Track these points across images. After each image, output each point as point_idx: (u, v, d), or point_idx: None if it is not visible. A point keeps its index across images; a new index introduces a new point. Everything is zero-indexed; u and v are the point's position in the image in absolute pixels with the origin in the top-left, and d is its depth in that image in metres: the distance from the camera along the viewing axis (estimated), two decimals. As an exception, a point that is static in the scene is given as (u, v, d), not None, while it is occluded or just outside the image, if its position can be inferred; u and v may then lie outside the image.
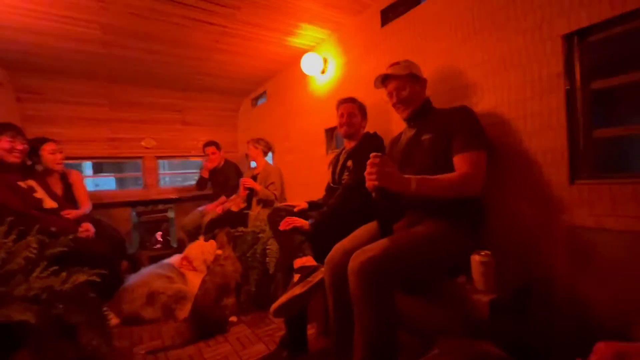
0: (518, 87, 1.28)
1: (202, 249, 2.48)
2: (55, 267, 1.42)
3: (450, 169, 1.15)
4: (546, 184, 1.20)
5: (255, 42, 2.43)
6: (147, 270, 2.39)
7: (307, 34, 2.36)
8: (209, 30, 2.21)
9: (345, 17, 2.14)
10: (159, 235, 3.57)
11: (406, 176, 1.05)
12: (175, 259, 2.57)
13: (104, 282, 1.60)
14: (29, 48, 2.31)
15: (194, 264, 2.44)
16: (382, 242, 1.07)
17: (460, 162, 1.14)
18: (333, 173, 1.83)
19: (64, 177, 2.48)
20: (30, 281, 1.35)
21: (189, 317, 1.92)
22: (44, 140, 2.35)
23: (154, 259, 2.92)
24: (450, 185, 1.08)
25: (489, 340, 0.84)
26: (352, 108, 1.78)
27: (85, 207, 2.44)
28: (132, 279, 2.25)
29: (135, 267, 2.74)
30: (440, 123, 1.26)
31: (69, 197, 2.43)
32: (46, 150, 2.34)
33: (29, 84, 2.83)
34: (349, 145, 1.84)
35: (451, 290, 1.10)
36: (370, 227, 1.32)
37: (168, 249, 3.40)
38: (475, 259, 1.04)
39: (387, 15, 1.92)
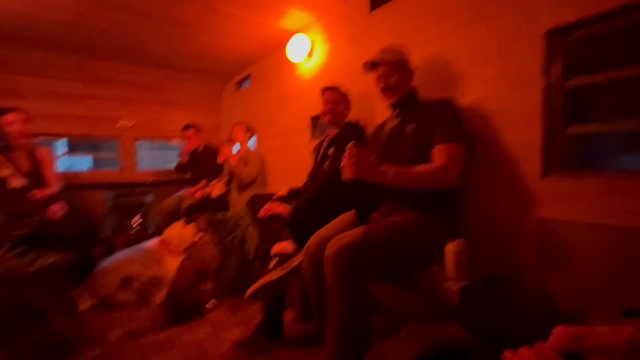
0: (500, 81, 1.30)
1: (180, 233, 2.42)
2: (19, 249, 1.36)
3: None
4: (520, 178, 1.23)
5: (239, 22, 2.34)
6: (121, 255, 2.32)
7: (293, 17, 2.29)
8: (192, 7, 2.10)
9: (332, 3, 2.09)
10: (135, 220, 3.46)
11: (382, 168, 1.05)
12: (151, 243, 2.51)
13: (75, 265, 1.55)
14: (-6, 14, 2.13)
15: (170, 247, 2.39)
16: (358, 230, 1.08)
17: (438, 153, 1.15)
18: (315, 160, 1.82)
19: (32, 154, 2.30)
20: (-9, 262, 1.29)
21: (165, 300, 1.90)
22: (3, 111, 2.14)
23: (129, 244, 2.84)
24: (425, 177, 1.10)
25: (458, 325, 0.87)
26: (336, 96, 1.78)
27: (54, 187, 2.29)
28: (105, 263, 2.19)
29: (109, 251, 2.65)
30: (424, 114, 1.27)
31: (36, 176, 2.25)
32: (5, 121, 2.13)
33: (-6, 54, 2.63)
34: (332, 133, 1.83)
35: (424, 279, 1.12)
36: (348, 216, 1.32)
37: (144, 234, 3.31)
38: (449, 247, 1.06)
39: (377, 0, 1.89)
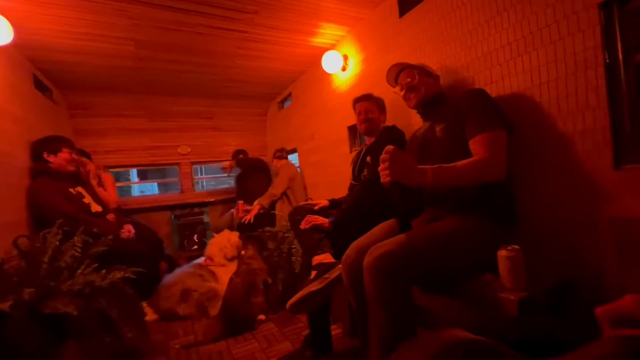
0: (549, 67, 1.17)
1: (220, 245, 2.56)
2: (96, 265, 1.54)
3: (468, 156, 1.07)
4: (586, 171, 1.07)
5: (275, 44, 2.47)
6: (181, 270, 2.52)
7: (326, 33, 2.35)
8: (231, 37, 2.29)
9: (363, 12, 2.11)
10: (195, 237, 3.76)
11: (421, 167, 0.98)
12: (202, 258, 2.68)
13: (143, 280, 1.71)
14: (75, 67, 2.55)
15: (216, 260, 2.53)
16: (399, 238, 1.03)
17: (477, 145, 1.05)
18: (353, 170, 1.80)
19: (100, 182, 2.71)
20: (75, 277, 1.48)
21: (219, 314, 1.99)
22: (83, 153, 2.58)
23: (191, 259, 3.07)
24: (468, 172, 1.00)
25: (518, 339, 0.77)
26: (368, 105, 1.75)
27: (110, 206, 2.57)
28: (169, 278, 2.39)
29: (173, 267, 2.90)
30: (453, 111, 1.21)
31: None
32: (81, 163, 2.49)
33: (78, 101, 3.13)
34: (369, 141, 1.80)
35: (475, 288, 1.02)
36: (387, 224, 1.27)
37: (203, 250, 3.56)
38: (502, 254, 0.95)
39: (405, 6, 1.86)
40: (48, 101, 2.65)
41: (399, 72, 1.42)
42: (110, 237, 1.80)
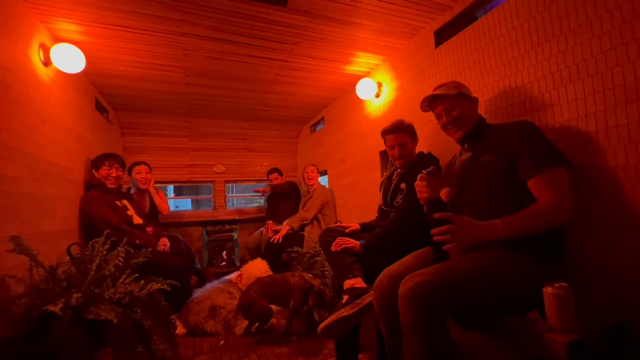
0: (597, 97, 1.14)
1: (254, 270, 2.61)
2: (136, 275, 1.63)
3: (514, 193, 1.04)
4: (640, 206, 1.00)
5: (313, 72, 2.60)
6: (211, 285, 2.58)
7: (362, 61, 2.44)
8: (271, 65, 2.44)
9: (399, 42, 2.18)
10: (224, 253, 3.85)
11: (490, 223, 0.98)
12: (233, 275, 2.74)
13: (175, 293, 1.78)
14: (131, 92, 2.82)
15: (244, 281, 2.57)
16: (436, 267, 1.00)
17: (539, 186, 1.00)
18: (385, 195, 1.79)
19: (150, 195, 2.99)
20: (116, 286, 1.57)
21: (244, 332, 2.00)
22: (135, 164, 2.90)
23: (219, 275, 3.13)
24: (539, 219, 0.96)
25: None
26: (401, 138, 1.68)
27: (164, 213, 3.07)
28: (198, 293, 2.45)
29: (203, 282, 2.97)
30: (498, 142, 1.15)
31: (154, 212, 2.94)
32: (134, 172, 2.87)
33: (129, 121, 3.43)
34: (400, 164, 1.78)
35: (518, 327, 0.95)
36: (421, 252, 1.24)
37: (231, 267, 3.63)
38: (548, 290, 0.89)
39: (441, 36, 1.90)
40: (105, 121, 2.93)
41: (433, 99, 1.33)
42: (150, 249, 1.90)
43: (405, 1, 1.74)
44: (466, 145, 1.29)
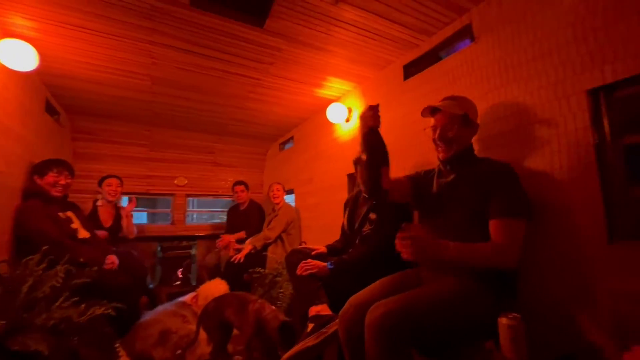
0: (544, 141, 1.26)
1: (212, 290, 2.45)
2: (76, 298, 1.46)
3: (483, 231, 1.09)
4: (584, 244, 1.11)
5: (285, 92, 2.62)
6: (162, 308, 2.38)
7: (334, 86, 2.51)
8: (245, 82, 2.42)
9: (371, 71, 2.28)
10: (180, 271, 3.60)
11: (443, 242, 1.04)
12: (188, 296, 2.56)
13: (122, 316, 1.62)
14: (89, 95, 2.63)
15: (199, 303, 2.40)
16: (402, 296, 1.02)
17: (497, 229, 1.07)
18: (350, 219, 1.80)
19: (118, 209, 2.90)
20: (51, 310, 1.39)
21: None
22: (107, 176, 2.81)
23: (172, 296, 2.92)
24: (485, 256, 1.03)
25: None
26: None
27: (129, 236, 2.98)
28: (148, 316, 2.24)
29: (154, 302, 2.74)
30: (479, 177, 1.16)
31: (116, 226, 2.83)
32: (104, 184, 2.78)
33: (83, 126, 3.18)
34: None
35: (475, 356, 0.99)
36: (387, 280, 1.25)
37: (187, 286, 3.40)
38: (503, 322, 0.94)
39: (410, 70, 2.02)
40: (55, 124, 2.69)
41: (433, 110, 1.28)
42: (95, 268, 1.72)
43: (377, 36, 1.84)
44: (448, 168, 1.28)
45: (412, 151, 1.90)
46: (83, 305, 1.44)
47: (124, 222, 2.91)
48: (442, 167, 1.32)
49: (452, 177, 1.26)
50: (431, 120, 1.30)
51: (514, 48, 1.40)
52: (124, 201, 3.26)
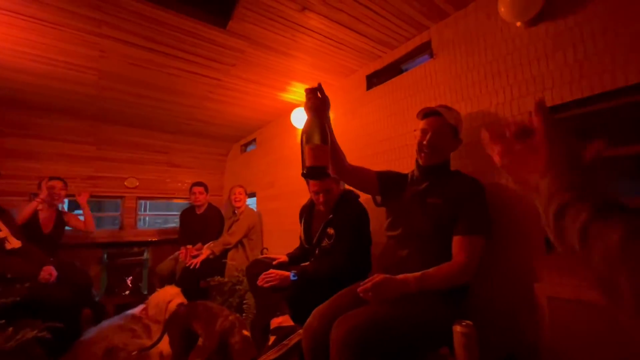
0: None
1: (162, 297, 2.25)
2: (1, 321, 1.29)
3: (447, 242, 1.15)
4: (527, 253, 1.22)
5: (247, 95, 2.54)
6: (109, 322, 2.19)
7: (298, 91, 2.49)
8: (204, 82, 2.31)
9: (334, 79, 2.30)
10: (129, 280, 3.34)
11: (402, 279, 1.08)
12: (138, 308, 2.37)
13: (59, 335, 1.46)
14: (24, 87, 2.34)
15: (150, 313, 2.21)
16: (365, 310, 1.04)
17: (459, 246, 1.13)
18: (307, 232, 1.77)
19: (60, 214, 2.65)
20: (-29, 337, 1.21)
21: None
22: (50, 178, 2.55)
23: (121, 307, 2.69)
24: (446, 280, 1.09)
25: None
26: (327, 184, 1.65)
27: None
28: (91, 332, 2.05)
29: (99, 316, 2.51)
30: (451, 190, 1.21)
31: (57, 232, 2.58)
32: (46, 186, 2.48)
33: (14, 119, 2.81)
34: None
35: (433, 363, 1.04)
36: (348, 291, 1.26)
37: (137, 296, 3.16)
38: (457, 329, 1.00)
39: (372, 81, 2.08)
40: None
41: (431, 114, 1.27)
42: (27, 284, 1.54)
43: (341, 45, 1.86)
44: (423, 176, 1.30)
45: (375, 160, 1.95)
46: (11, 329, 1.27)
47: (85, 213, 2.82)
48: (416, 174, 1.35)
49: (424, 185, 1.28)
50: (420, 123, 1.31)
51: (468, 66, 1.50)
52: (66, 205, 2.96)
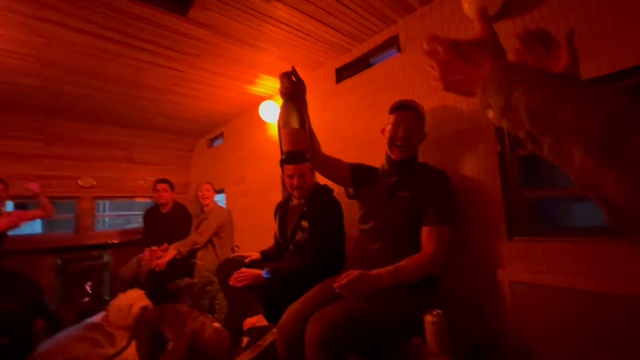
0: (458, 150, 1.41)
1: (124, 301, 2.10)
2: None
3: (416, 234, 1.19)
4: (490, 240, 1.28)
5: (213, 87, 2.43)
6: (67, 332, 2.03)
7: (266, 84, 2.42)
8: (166, 74, 2.17)
9: (303, 72, 2.23)
10: (88, 285, 3.12)
11: (376, 274, 1.08)
12: (99, 315, 2.21)
13: (7, 350, 1.32)
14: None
15: (111, 319, 2.06)
16: (339, 305, 1.05)
17: (428, 237, 1.17)
18: (281, 226, 1.75)
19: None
20: None
21: None
22: None
23: (82, 315, 2.50)
24: (419, 271, 1.12)
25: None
26: (301, 168, 1.66)
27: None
28: (46, 345, 1.89)
29: (56, 326, 2.32)
30: (419, 182, 1.25)
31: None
32: None
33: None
34: (300, 200, 1.75)
35: (406, 353, 1.06)
36: (321, 287, 1.26)
37: (98, 302, 2.96)
38: (428, 319, 1.03)
39: (342, 74, 2.06)
40: None
41: (404, 107, 1.29)
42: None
43: (309, 37, 1.82)
44: (394, 170, 1.33)
45: (343, 154, 1.93)
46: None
47: (42, 201, 2.60)
48: (387, 168, 1.37)
49: (394, 179, 1.31)
50: (391, 117, 1.32)
51: (434, 62, 1.52)
52: (9, 206, 2.68)
